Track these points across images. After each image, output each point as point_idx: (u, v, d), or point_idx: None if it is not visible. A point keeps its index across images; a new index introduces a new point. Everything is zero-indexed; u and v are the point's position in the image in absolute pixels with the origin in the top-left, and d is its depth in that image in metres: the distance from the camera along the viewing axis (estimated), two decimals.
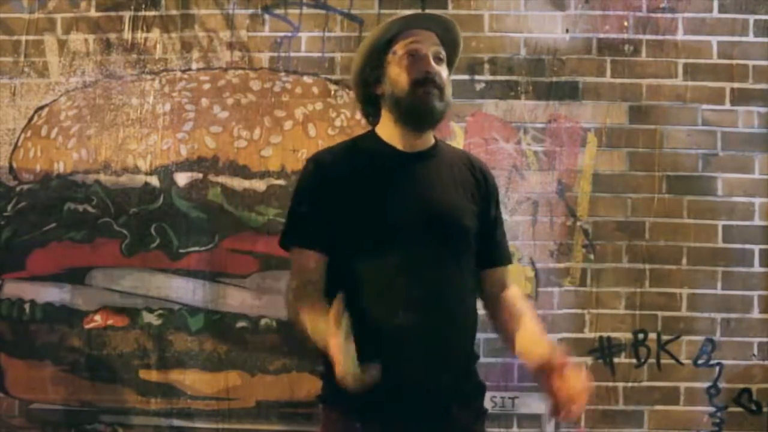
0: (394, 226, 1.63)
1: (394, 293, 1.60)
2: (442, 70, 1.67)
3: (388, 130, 1.71)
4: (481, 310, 1.78)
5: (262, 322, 2.51)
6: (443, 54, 1.70)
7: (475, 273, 1.76)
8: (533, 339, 1.66)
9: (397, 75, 1.66)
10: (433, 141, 1.75)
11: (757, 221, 2.58)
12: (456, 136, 2.56)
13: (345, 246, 1.65)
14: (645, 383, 2.55)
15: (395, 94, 1.66)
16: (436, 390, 1.62)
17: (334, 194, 1.65)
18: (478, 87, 2.59)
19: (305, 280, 1.65)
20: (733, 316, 2.57)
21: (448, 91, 1.68)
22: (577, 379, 1.52)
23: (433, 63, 1.66)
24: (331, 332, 1.38)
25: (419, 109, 1.64)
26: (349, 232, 1.63)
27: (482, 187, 1.76)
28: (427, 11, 1.81)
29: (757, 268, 2.58)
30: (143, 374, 2.54)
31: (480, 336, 2.46)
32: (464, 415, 1.66)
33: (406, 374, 1.59)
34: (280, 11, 2.62)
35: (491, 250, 1.78)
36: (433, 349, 1.61)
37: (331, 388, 1.69)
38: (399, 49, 1.68)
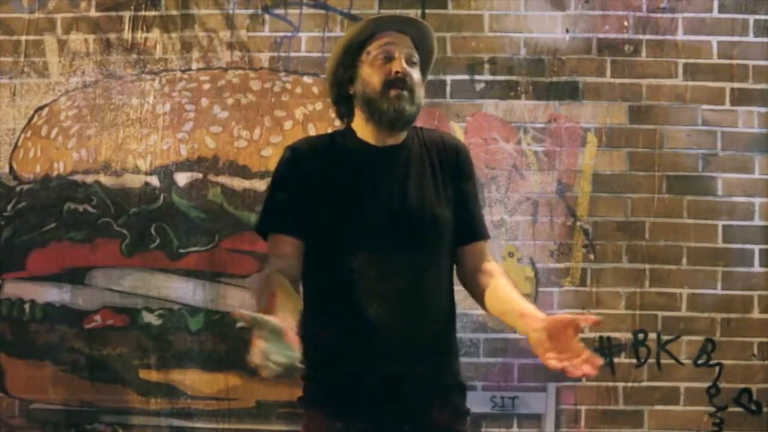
0: (365, 220, 1.64)
1: (364, 290, 1.61)
2: (414, 73, 1.69)
3: (360, 128, 1.73)
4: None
5: None
6: (416, 58, 1.71)
7: (451, 266, 1.75)
8: (524, 308, 1.59)
9: (369, 75, 1.67)
10: (405, 134, 1.75)
11: (757, 221, 2.59)
12: (456, 136, 2.55)
13: (318, 240, 1.66)
14: (645, 383, 2.55)
15: (367, 94, 1.67)
16: (414, 386, 1.62)
17: (308, 184, 1.66)
18: (478, 87, 2.59)
19: (280, 268, 1.64)
20: (733, 316, 2.57)
21: (420, 93, 1.69)
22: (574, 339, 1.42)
23: (405, 65, 1.67)
24: (264, 315, 1.38)
25: (390, 111, 1.65)
26: (321, 226, 1.65)
27: (454, 165, 1.75)
28: (404, 15, 1.80)
29: (757, 268, 2.58)
30: (143, 374, 2.54)
31: (480, 336, 2.50)
32: (444, 414, 1.66)
33: (381, 368, 1.59)
34: (280, 11, 2.62)
35: (467, 224, 1.76)
36: (406, 343, 1.61)
37: (312, 389, 1.70)
38: (373, 49, 1.69)
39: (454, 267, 1.78)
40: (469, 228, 1.77)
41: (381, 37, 1.70)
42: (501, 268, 1.78)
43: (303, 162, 1.70)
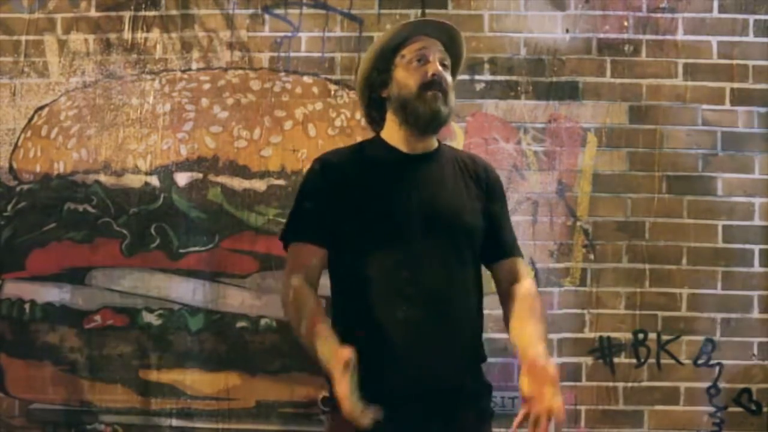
0: (396, 225, 1.65)
1: (394, 291, 1.63)
2: (447, 76, 1.72)
3: (392, 134, 1.75)
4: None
5: (262, 322, 2.51)
6: (448, 62, 1.75)
7: (479, 272, 1.77)
8: (529, 341, 1.64)
9: (404, 78, 1.70)
10: (436, 144, 1.79)
11: (757, 221, 2.58)
12: (456, 136, 2.56)
13: (348, 245, 1.67)
14: (645, 383, 2.55)
15: (402, 96, 1.70)
16: (440, 388, 1.62)
17: (338, 195, 1.67)
18: (478, 87, 2.59)
19: (305, 278, 1.66)
20: (733, 316, 2.56)
21: (452, 96, 1.72)
22: (551, 393, 1.49)
23: (440, 68, 1.70)
24: (338, 375, 1.42)
25: (425, 111, 1.67)
26: (352, 231, 1.66)
27: (484, 185, 1.78)
28: (436, 19, 1.82)
29: (757, 268, 2.57)
30: (143, 374, 2.54)
31: None
32: (469, 416, 1.67)
33: (409, 372, 1.60)
34: (280, 11, 2.62)
35: (498, 244, 1.79)
36: (434, 347, 1.62)
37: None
38: (408, 53, 1.72)
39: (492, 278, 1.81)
40: (499, 245, 1.79)
41: (414, 41, 1.73)
42: (533, 288, 1.77)
43: (331, 172, 1.71)
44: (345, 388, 1.41)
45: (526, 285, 1.77)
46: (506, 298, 1.76)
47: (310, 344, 1.57)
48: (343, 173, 1.70)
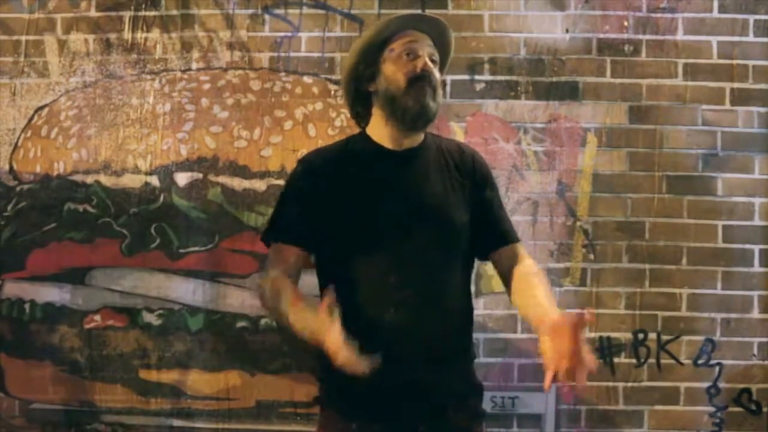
0: (383, 225, 1.64)
1: (384, 292, 1.62)
2: (436, 72, 1.70)
3: (378, 130, 1.73)
4: (477, 310, 1.77)
5: (262, 322, 2.51)
6: (437, 57, 1.73)
7: (469, 268, 1.76)
8: (538, 304, 1.62)
9: (392, 72, 1.68)
10: (422, 138, 1.76)
11: (757, 221, 2.59)
12: (456, 136, 2.56)
13: (336, 246, 1.67)
14: (645, 383, 2.56)
15: (390, 91, 1.67)
16: (431, 388, 1.62)
17: (323, 196, 1.67)
18: (478, 87, 2.59)
19: (284, 271, 1.66)
20: (733, 316, 2.57)
21: (440, 92, 1.71)
22: (574, 339, 1.45)
23: (429, 63, 1.68)
24: (325, 326, 1.40)
25: (414, 105, 1.65)
26: (339, 232, 1.65)
27: (473, 174, 1.76)
28: (424, 13, 1.81)
29: (757, 268, 2.58)
30: (143, 374, 2.54)
31: (480, 336, 2.50)
32: (460, 415, 1.67)
33: (400, 373, 1.59)
34: (280, 11, 2.62)
35: (495, 232, 1.78)
36: (425, 347, 1.62)
37: (328, 388, 1.70)
38: (396, 47, 1.70)
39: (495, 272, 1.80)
40: (497, 233, 1.78)
41: (403, 36, 1.70)
42: (534, 266, 1.77)
43: (315, 176, 1.70)
44: (336, 336, 1.39)
45: (527, 263, 1.76)
46: (509, 279, 1.75)
47: (293, 322, 1.56)
48: (327, 175, 1.69)
